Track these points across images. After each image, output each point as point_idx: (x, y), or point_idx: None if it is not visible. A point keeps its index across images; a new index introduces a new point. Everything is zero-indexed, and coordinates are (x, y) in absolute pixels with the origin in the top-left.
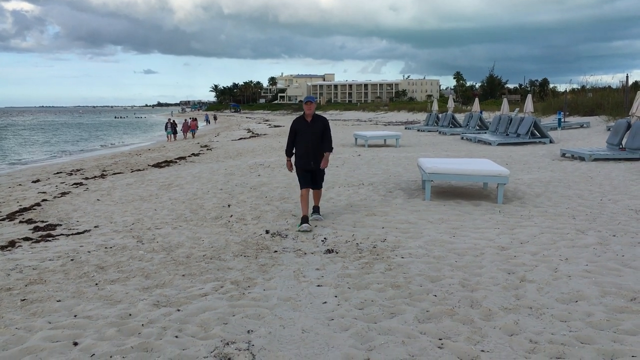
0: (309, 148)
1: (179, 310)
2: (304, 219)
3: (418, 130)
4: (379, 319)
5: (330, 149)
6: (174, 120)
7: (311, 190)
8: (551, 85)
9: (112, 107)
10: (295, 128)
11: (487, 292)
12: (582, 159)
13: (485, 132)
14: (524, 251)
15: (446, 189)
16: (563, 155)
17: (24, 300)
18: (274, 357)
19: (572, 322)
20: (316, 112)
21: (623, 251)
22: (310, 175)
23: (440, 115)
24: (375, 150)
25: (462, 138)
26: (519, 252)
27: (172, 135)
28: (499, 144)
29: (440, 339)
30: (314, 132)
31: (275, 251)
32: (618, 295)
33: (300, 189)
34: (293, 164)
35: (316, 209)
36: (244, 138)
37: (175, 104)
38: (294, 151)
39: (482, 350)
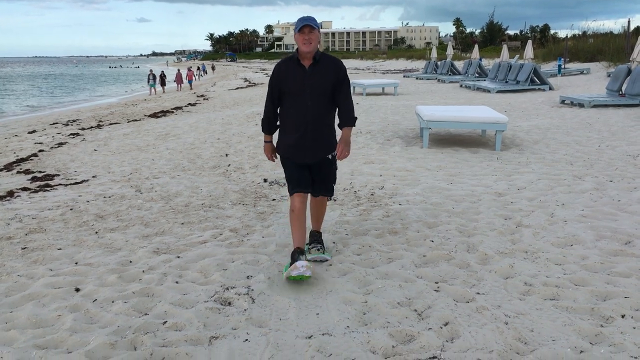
0: (307, 122)
1: (178, 257)
2: (296, 254)
3: (416, 78)
4: (376, 264)
5: (353, 122)
6: (162, 72)
7: (309, 198)
8: (552, 31)
9: (106, 57)
10: (279, 82)
11: (483, 237)
12: (581, 105)
13: (485, 80)
14: (520, 197)
15: (444, 137)
16: (562, 102)
17: (24, 248)
18: (273, 302)
19: (566, 265)
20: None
21: (619, 196)
22: (309, 170)
23: (439, 63)
24: (374, 99)
25: (461, 86)
26: (515, 198)
27: (162, 87)
28: (498, 92)
29: (436, 283)
30: (316, 89)
31: (274, 199)
32: (613, 239)
33: (290, 194)
34: (275, 149)
35: (317, 237)
36: (241, 87)
37: (171, 54)
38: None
39: (478, 293)
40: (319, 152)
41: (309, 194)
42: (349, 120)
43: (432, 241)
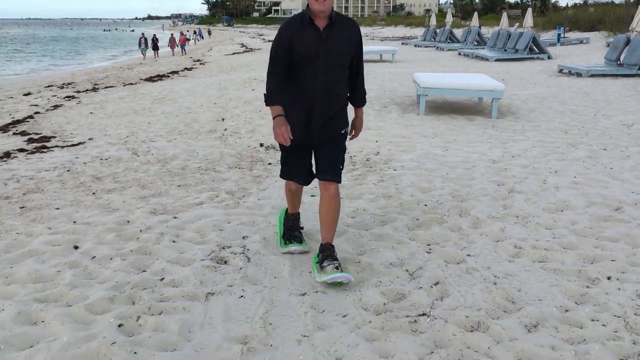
0: (316, 95)
1: (175, 217)
2: (290, 225)
3: (415, 46)
4: (370, 226)
5: (365, 99)
6: (154, 36)
7: (318, 197)
8: (553, 0)
9: (100, 19)
10: (288, 46)
11: (476, 202)
12: (579, 75)
13: (483, 48)
14: (514, 164)
15: (441, 104)
16: (560, 71)
17: (22, 207)
18: (267, 261)
19: (556, 229)
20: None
21: (612, 164)
22: (310, 153)
23: (438, 31)
24: (371, 66)
25: (460, 54)
26: (509, 165)
27: (154, 52)
28: (497, 60)
29: (428, 245)
30: (332, 55)
31: (270, 163)
32: (603, 205)
33: (286, 179)
34: (287, 123)
35: (331, 252)
36: (238, 53)
37: (167, 17)
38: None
39: (468, 255)
40: (329, 130)
41: (317, 183)
42: (363, 97)
43: (426, 205)
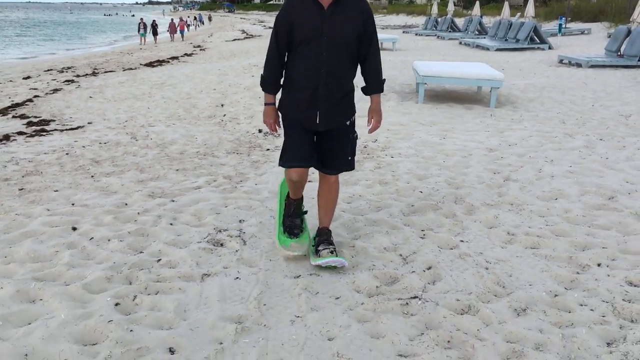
0: (320, 78)
1: (173, 201)
2: (291, 214)
3: (416, 34)
4: (365, 212)
5: (382, 87)
6: (154, 21)
7: (318, 184)
8: None
9: (101, 4)
10: (289, 24)
11: (471, 190)
12: (579, 65)
13: (484, 37)
14: (511, 153)
15: (440, 93)
16: (560, 61)
17: (21, 189)
18: (263, 244)
19: (549, 217)
20: None
21: (608, 154)
22: (314, 138)
23: (439, 19)
24: None
25: (461, 43)
26: (506, 154)
27: (153, 37)
28: (497, 50)
29: (422, 230)
30: (336, 35)
31: (268, 149)
32: (597, 194)
33: (284, 167)
34: (278, 116)
35: (327, 236)
36: (238, 39)
37: (167, 2)
38: (282, 82)
39: (462, 241)
40: (335, 116)
41: (316, 175)
42: (379, 85)
43: (421, 192)
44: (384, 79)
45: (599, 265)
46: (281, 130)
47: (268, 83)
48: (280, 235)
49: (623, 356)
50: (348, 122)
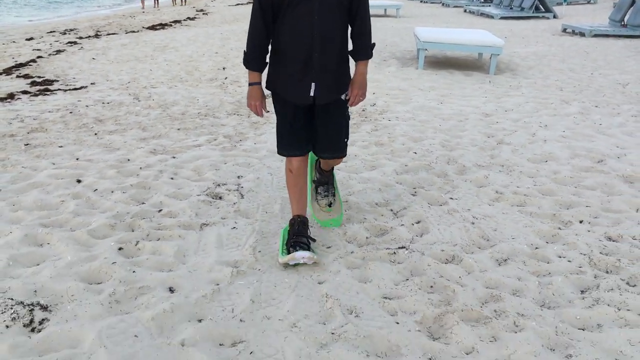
0: (312, 47)
1: (174, 157)
2: (297, 226)
3: (420, 1)
4: (359, 170)
5: (370, 52)
6: None
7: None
8: None
9: None
10: None
11: (464, 152)
12: (582, 34)
13: (489, 5)
14: (506, 118)
15: (440, 60)
16: (564, 30)
17: (27, 145)
18: (260, 198)
19: (538, 178)
20: None
21: (601, 120)
22: (310, 117)
23: None
24: (374, 20)
25: (465, 10)
26: (501, 119)
27: (154, 1)
28: (502, 18)
29: (414, 188)
30: None
31: (268, 111)
32: (587, 157)
33: (285, 155)
34: (265, 97)
35: (327, 178)
36: (241, 4)
37: None
38: (268, 57)
39: (451, 198)
40: (332, 87)
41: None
42: (365, 49)
43: (415, 153)
44: (374, 43)
45: (581, 222)
46: (269, 113)
47: (252, 58)
48: (282, 252)
49: (594, 302)
50: (344, 96)
